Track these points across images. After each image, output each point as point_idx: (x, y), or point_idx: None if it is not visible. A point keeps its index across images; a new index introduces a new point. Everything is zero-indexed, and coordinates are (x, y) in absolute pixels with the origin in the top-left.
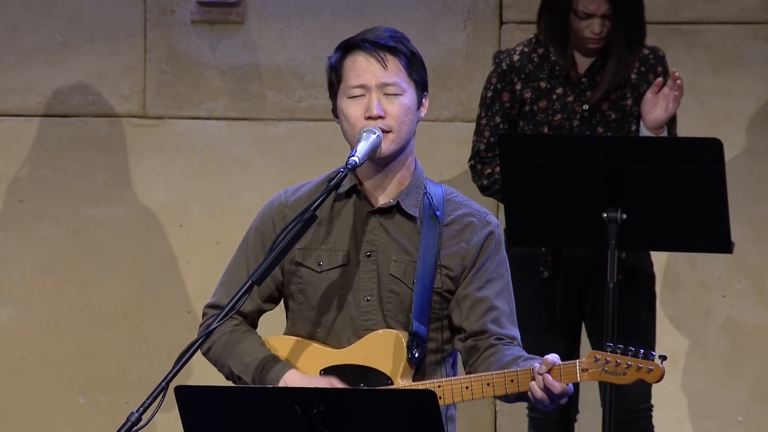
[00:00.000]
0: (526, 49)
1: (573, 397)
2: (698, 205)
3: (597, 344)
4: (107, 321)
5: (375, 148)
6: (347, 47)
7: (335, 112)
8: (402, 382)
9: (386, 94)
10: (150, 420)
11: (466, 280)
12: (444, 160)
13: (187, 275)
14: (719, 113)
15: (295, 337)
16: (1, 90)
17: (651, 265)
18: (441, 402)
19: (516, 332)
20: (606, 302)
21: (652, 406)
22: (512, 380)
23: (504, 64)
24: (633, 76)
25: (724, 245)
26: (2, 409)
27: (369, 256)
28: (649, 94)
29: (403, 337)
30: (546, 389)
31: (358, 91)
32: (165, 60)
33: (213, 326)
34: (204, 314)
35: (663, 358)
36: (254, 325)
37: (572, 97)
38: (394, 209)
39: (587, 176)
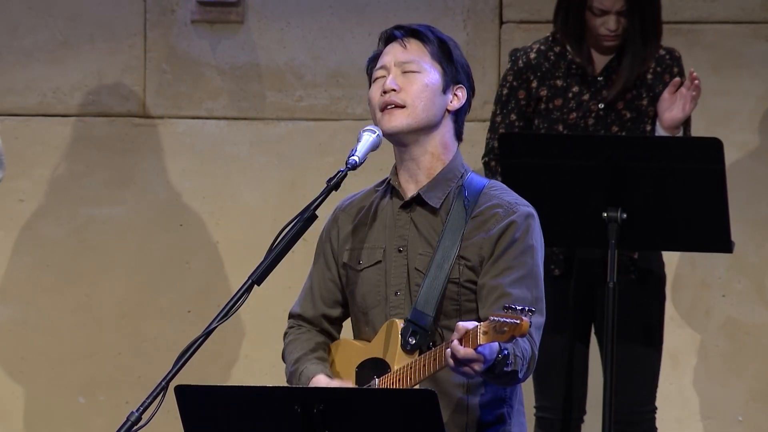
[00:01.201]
0: (542, 47)
1: (579, 398)
2: (698, 205)
3: (603, 343)
4: (107, 321)
5: (374, 147)
6: (383, 40)
7: None
8: (396, 368)
9: (404, 72)
10: (150, 420)
11: (485, 269)
12: None
13: (187, 275)
14: (719, 113)
15: (346, 339)
16: (1, 90)
17: (663, 265)
18: (410, 383)
19: (534, 319)
20: (606, 302)
21: (656, 408)
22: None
23: (520, 61)
24: (649, 76)
25: (724, 245)
26: (2, 409)
27: (400, 251)
28: (665, 94)
29: (400, 325)
30: (452, 355)
31: (380, 73)
32: (165, 60)
33: (213, 326)
34: (288, 322)
35: (531, 311)
36: (325, 331)
37: (588, 96)
38: (415, 201)
39: (587, 176)
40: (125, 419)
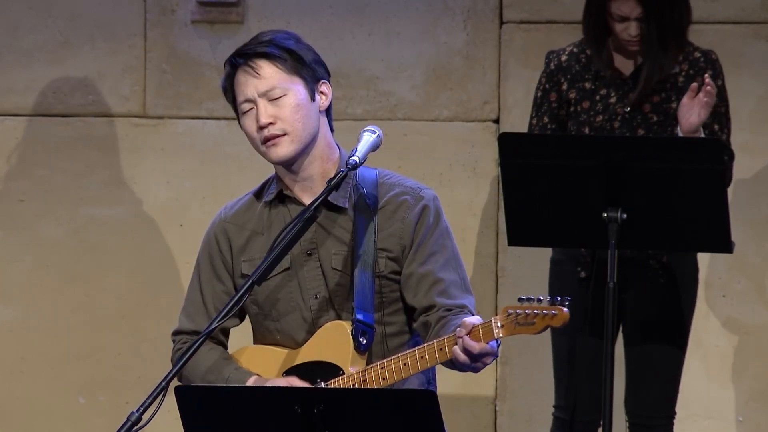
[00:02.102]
0: (575, 50)
1: (597, 400)
2: (698, 205)
3: (629, 345)
4: (107, 321)
5: (375, 147)
6: (229, 66)
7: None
8: (352, 370)
9: (271, 100)
10: (150, 420)
11: (408, 258)
12: (444, 160)
13: (187, 275)
14: None
15: (257, 346)
16: (1, 90)
17: (696, 270)
18: (385, 383)
19: (467, 300)
20: (606, 302)
21: (675, 414)
22: (441, 348)
23: (552, 64)
24: (681, 78)
25: (724, 245)
26: (2, 409)
27: (310, 254)
28: (685, 99)
29: (348, 326)
30: (466, 351)
31: (247, 106)
32: (165, 60)
33: (213, 326)
34: (173, 342)
35: (567, 301)
36: (221, 343)
37: (615, 99)
38: (322, 205)
39: (587, 176)
40: (125, 419)
